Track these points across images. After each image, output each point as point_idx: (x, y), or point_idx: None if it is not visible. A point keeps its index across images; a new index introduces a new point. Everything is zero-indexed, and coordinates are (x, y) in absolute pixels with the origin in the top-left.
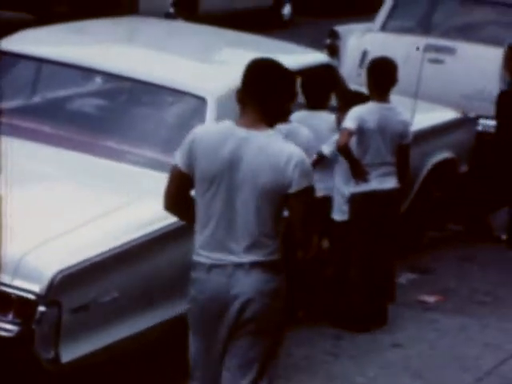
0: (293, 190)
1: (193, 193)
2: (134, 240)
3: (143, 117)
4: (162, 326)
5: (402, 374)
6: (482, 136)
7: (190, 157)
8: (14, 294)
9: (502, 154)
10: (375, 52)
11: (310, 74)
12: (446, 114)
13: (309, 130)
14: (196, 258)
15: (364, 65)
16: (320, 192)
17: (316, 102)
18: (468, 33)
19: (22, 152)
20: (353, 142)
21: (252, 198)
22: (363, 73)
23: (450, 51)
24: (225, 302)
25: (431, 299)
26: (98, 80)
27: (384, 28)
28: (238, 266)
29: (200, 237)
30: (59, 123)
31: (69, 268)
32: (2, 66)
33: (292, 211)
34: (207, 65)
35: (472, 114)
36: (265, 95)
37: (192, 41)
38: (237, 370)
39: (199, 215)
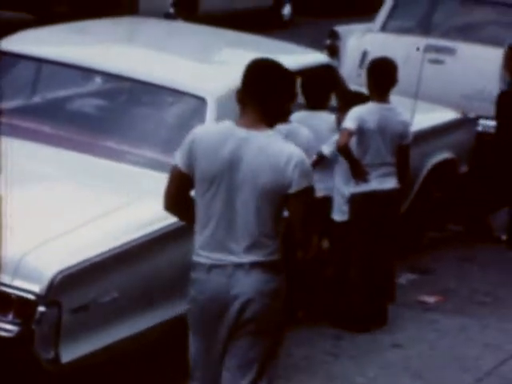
0: (293, 190)
1: (193, 193)
2: (134, 240)
3: (143, 117)
4: (162, 327)
5: (402, 374)
6: (482, 136)
7: (190, 157)
8: (14, 294)
9: (502, 154)
10: (375, 52)
11: (310, 74)
12: (445, 115)
13: (309, 130)
14: (196, 258)
15: (364, 65)
16: (320, 192)
17: (316, 103)
18: (468, 33)
19: (21, 152)
20: (353, 142)
21: (252, 198)
22: (363, 73)
23: (450, 51)
24: (225, 303)
25: (431, 299)
26: (98, 80)
27: (384, 28)
28: (238, 266)
29: (200, 237)
30: (59, 123)
31: (69, 268)
32: (2, 66)
33: (292, 211)
34: (207, 65)
35: (472, 115)
36: (265, 95)
37: (192, 41)
38: (236, 370)
39: (199, 215)
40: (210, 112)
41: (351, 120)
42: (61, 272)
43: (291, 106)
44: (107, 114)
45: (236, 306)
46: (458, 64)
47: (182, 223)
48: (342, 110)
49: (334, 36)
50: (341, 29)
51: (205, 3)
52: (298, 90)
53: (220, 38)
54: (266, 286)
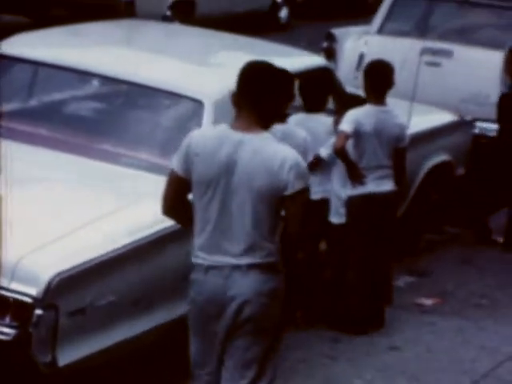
0: (288, 192)
1: (190, 196)
2: (131, 243)
3: (140, 120)
4: (159, 330)
5: (399, 376)
6: (479, 139)
7: (187, 161)
8: (11, 297)
9: (503, 157)
10: (372, 55)
11: (308, 77)
12: (442, 117)
13: (306, 132)
14: (194, 259)
15: (361, 68)
16: (318, 194)
17: (313, 105)
18: (465, 36)
19: (18, 155)
20: (349, 144)
21: (248, 201)
22: (360, 76)
23: (446, 54)
24: (222, 304)
25: (428, 302)
26: (95, 83)
27: (381, 31)
28: (235, 267)
29: (198, 239)
30: (56, 126)
31: (66, 271)
32: None
33: (288, 213)
34: (204, 68)
35: (469, 117)
36: (259, 98)
37: (189, 44)
38: (235, 370)
39: (197, 218)
40: (207, 115)
41: (348, 123)
42: (58, 275)
43: (288, 107)
44: (104, 116)
45: (233, 307)
46: (454, 66)
47: (179, 226)
48: (339, 113)
49: (331, 39)
50: (337, 31)
51: (202, 6)
52: (296, 92)
53: (217, 41)
54: (264, 286)
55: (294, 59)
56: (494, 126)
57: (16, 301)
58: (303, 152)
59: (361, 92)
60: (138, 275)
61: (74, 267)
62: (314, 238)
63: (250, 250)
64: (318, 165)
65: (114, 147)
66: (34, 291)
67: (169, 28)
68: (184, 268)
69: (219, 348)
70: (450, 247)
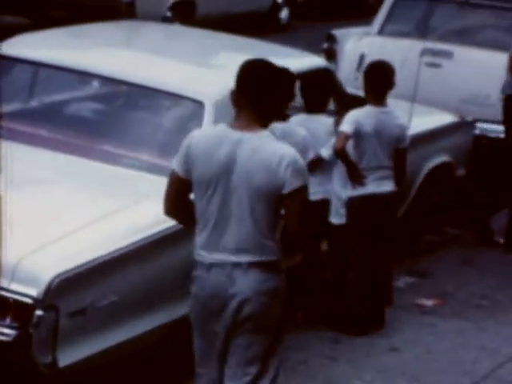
0: (286, 190)
1: (192, 196)
2: (132, 244)
3: (141, 121)
4: (161, 330)
5: (399, 377)
6: (480, 140)
7: (187, 161)
8: (12, 298)
9: (510, 158)
10: (372, 56)
11: (308, 77)
12: (443, 118)
13: (307, 133)
14: (197, 257)
15: (361, 68)
16: (319, 195)
17: (314, 106)
18: (465, 37)
19: (18, 156)
20: (350, 145)
21: (247, 199)
22: (360, 76)
23: (447, 55)
24: (223, 300)
25: (429, 303)
26: (96, 84)
27: (381, 32)
28: (236, 265)
29: (200, 238)
30: (56, 127)
31: (66, 272)
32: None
33: (287, 211)
34: (205, 69)
35: (469, 118)
36: (258, 96)
37: (189, 45)
38: (238, 368)
39: (198, 217)
40: (208, 115)
41: (348, 123)
42: (58, 276)
43: (288, 107)
44: (105, 117)
45: (234, 304)
46: (455, 67)
47: (180, 227)
48: (339, 114)
49: (332, 39)
50: (338, 32)
51: (202, 7)
52: (297, 92)
53: (217, 42)
54: (264, 285)
55: (295, 60)
56: (495, 127)
57: (16, 301)
58: (302, 150)
59: (361, 93)
60: (139, 276)
61: (74, 268)
62: (314, 239)
63: (250, 247)
64: (318, 165)
65: (114, 148)
66: (34, 292)
67: (169, 29)
68: (185, 268)
69: (221, 347)
70: (450, 248)
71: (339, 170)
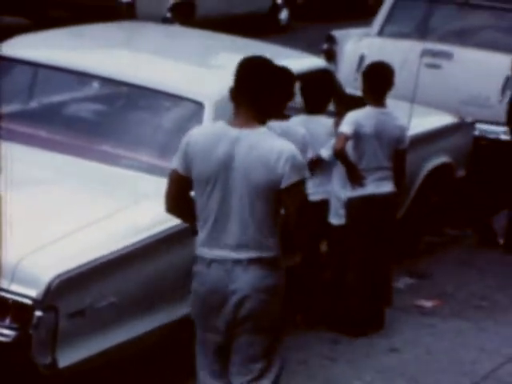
0: (284, 184)
1: (193, 193)
2: (131, 245)
3: (141, 121)
4: (160, 331)
5: (399, 378)
6: (479, 141)
7: (186, 159)
8: (11, 298)
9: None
10: (372, 57)
11: (308, 78)
12: (442, 119)
13: (306, 132)
14: (197, 253)
15: (361, 69)
16: (318, 195)
17: (314, 107)
18: (465, 37)
19: (18, 157)
20: (349, 146)
21: (246, 196)
22: (360, 77)
23: (447, 56)
24: (224, 296)
25: (428, 304)
26: (95, 85)
27: (381, 33)
28: (237, 262)
29: (200, 234)
30: (56, 128)
31: (66, 273)
32: None
33: (286, 206)
34: (204, 69)
35: (469, 119)
36: (256, 92)
37: (189, 45)
38: (241, 366)
39: (199, 214)
40: (208, 116)
41: (347, 124)
42: (58, 277)
43: (287, 106)
44: (104, 118)
45: (234, 300)
46: (455, 68)
47: (179, 227)
48: (339, 114)
49: (331, 40)
50: (338, 33)
51: (202, 8)
52: (297, 93)
53: (217, 43)
54: (263, 282)
55: (294, 61)
56: (494, 128)
57: (16, 302)
58: (302, 149)
59: (361, 94)
60: (139, 276)
61: (74, 269)
62: (313, 239)
63: (249, 244)
64: (318, 165)
65: (114, 149)
66: (33, 293)
67: (169, 30)
68: (184, 268)
69: (222, 340)
70: (449, 249)
71: (339, 171)
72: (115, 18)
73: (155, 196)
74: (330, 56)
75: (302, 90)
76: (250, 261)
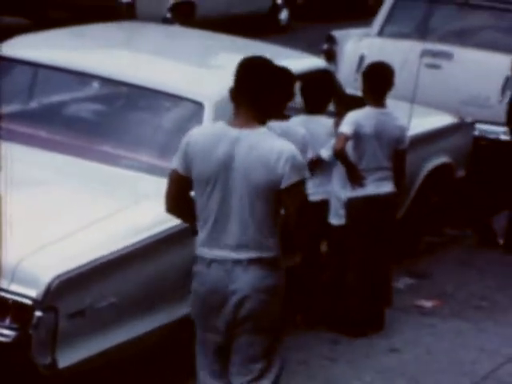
0: (284, 184)
1: (193, 193)
2: (131, 245)
3: (141, 122)
4: (160, 331)
5: (399, 378)
6: (479, 141)
7: (186, 159)
8: (11, 299)
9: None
10: (372, 57)
11: (308, 79)
12: (442, 119)
13: (306, 132)
14: (198, 253)
15: (361, 70)
16: (318, 196)
17: (314, 107)
18: (465, 38)
19: (18, 157)
20: (349, 146)
21: (247, 196)
22: (360, 78)
23: (447, 56)
24: (224, 296)
25: (428, 304)
26: (95, 85)
27: (381, 33)
28: (237, 262)
29: (200, 234)
30: (56, 128)
31: (66, 273)
32: None
33: (286, 206)
34: (204, 70)
35: (469, 119)
36: (256, 92)
37: (189, 46)
38: (241, 366)
39: (199, 214)
40: (208, 117)
41: (347, 125)
42: (58, 277)
43: (287, 106)
44: (105, 118)
45: (233, 300)
46: (455, 68)
47: (179, 228)
48: (339, 115)
49: (331, 41)
50: (338, 33)
51: (202, 8)
52: (297, 92)
53: (217, 43)
54: (262, 282)
55: (294, 61)
56: (494, 128)
57: (16, 303)
58: (302, 149)
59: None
60: (139, 277)
61: (74, 269)
62: (313, 239)
63: (250, 244)
64: (318, 165)
65: (114, 149)
66: (33, 293)
67: (169, 30)
68: (184, 269)
69: (222, 340)
70: (449, 249)
71: (339, 171)
72: (115, 18)
73: (155, 196)
74: (330, 56)
75: (302, 90)
76: (250, 261)
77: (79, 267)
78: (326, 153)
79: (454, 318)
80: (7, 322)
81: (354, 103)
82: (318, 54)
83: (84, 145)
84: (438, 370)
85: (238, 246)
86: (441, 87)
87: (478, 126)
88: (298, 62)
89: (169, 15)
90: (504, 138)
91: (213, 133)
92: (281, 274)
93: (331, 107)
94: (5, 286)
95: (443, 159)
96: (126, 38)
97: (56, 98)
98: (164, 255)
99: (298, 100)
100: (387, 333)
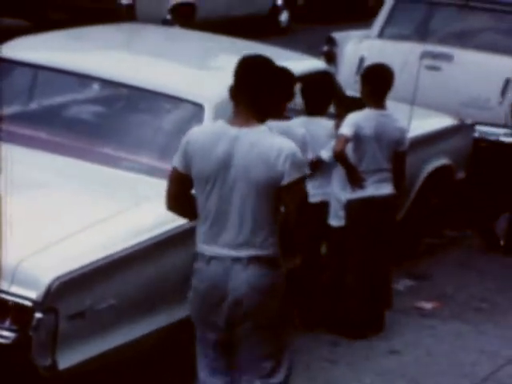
0: (284, 182)
1: (194, 191)
2: (132, 247)
3: (141, 123)
4: (160, 333)
5: (399, 380)
6: (479, 143)
7: (186, 158)
8: (11, 300)
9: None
10: (372, 59)
11: (308, 80)
12: (442, 121)
13: (306, 133)
14: (197, 250)
15: (361, 71)
16: (318, 197)
17: (314, 109)
18: (465, 39)
19: (19, 158)
20: (349, 148)
21: (247, 194)
22: (359, 79)
23: (447, 58)
24: (223, 292)
25: (428, 305)
26: (96, 87)
27: (381, 35)
28: (236, 260)
29: (200, 231)
30: (56, 130)
31: (66, 275)
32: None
33: (286, 204)
34: (204, 71)
35: (469, 121)
36: (256, 91)
37: (189, 47)
38: (246, 366)
39: (199, 212)
40: (208, 118)
41: (348, 126)
42: (58, 278)
43: (287, 106)
44: (105, 120)
45: (232, 297)
46: (455, 70)
47: (179, 229)
48: (339, 116)
49: (331, 42)
50: (338, 35)
51: (202, 10)
52: (297, 93)
53: (217, 45)
54: (260, 280)
55: (295, 63)
56: (494, 130)
57: (16, 304)
58: (302, 149)
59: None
60: (139, 278)
61: (74, 270)
62: (313, 241)
63: (249, 242)
64: (318, 167)
65: (114, 151)
66: (33, 294)
67: (169, 32)
68: (184, 270)
69: (222, 338)
70: (449, 251)
71: (339, 173)
72: (115, 20)
73: (156, 198)
74: (330, 58)
75: (303, 92)
76: (250, 259)
77: (79, 269)
78: (326, 154)
79: (454, 319)
80: (7, 323)
81: (354, 105)
82: (318, 56)
83: (84, 146)
84: (438, 371)
85: (238, 244)
86: (441, 89)
87: (478, 127)
88: (298, 63)
89: (169, 17)
90: (504, 139)
91: (212, 131)
92: (280, 272)
93: (331, 109)
94: (5, 287)
95: (443, 161)
96: (126, 40)
97: (56, 100)
98: (164, 257)
99: (298, 102)
100: (387, 335)
